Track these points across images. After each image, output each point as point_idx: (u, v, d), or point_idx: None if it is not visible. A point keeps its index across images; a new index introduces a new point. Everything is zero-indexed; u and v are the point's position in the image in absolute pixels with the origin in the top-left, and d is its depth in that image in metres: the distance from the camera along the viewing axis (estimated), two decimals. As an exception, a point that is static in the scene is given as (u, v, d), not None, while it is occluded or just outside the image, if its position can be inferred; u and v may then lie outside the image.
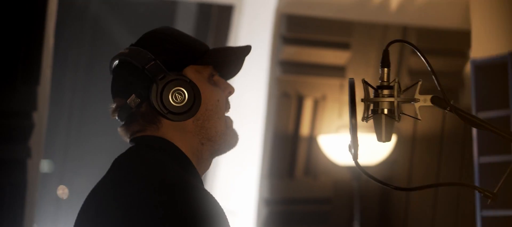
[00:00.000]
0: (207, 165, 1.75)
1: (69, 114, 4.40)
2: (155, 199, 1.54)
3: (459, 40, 5.20)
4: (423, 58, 1.68)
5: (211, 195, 1.60)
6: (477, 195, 4.48)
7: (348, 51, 4.84)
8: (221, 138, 1.73)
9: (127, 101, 1.71)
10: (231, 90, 1.78)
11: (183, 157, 1.70)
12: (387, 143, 4.26)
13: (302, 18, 4.72)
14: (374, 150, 4.56)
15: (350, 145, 1.67)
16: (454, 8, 5.21)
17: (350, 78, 1.65)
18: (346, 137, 4.60)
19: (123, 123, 1.75)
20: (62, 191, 4.36)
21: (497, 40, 4.99)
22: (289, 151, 4.75)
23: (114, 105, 1.75)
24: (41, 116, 3.42)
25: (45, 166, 4.35)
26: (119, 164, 1.70)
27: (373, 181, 5.35)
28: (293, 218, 4.75)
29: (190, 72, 1.72)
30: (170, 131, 1.71)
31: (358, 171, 4.64)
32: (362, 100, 1.66)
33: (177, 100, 1.68)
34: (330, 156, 4.66)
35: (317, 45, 4.74)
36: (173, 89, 1.68)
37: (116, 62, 1.76)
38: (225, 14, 4.70)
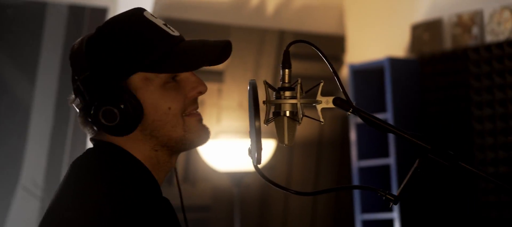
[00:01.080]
0: (167, 166, 1.61)
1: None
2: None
3: (334, 45, 5.26)
4: (326, 60, 1.67)
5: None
6: (357, 198, 4.53)
7: (226, 55, 4.79)
8: (178, 143, 1.59)
9: (70, 103, 1.60)
10: (201, 90, 1.62)
11: (137, 164, 1.56)
12: (266, 144, 4.19)
13: (179, 21, 4.64)
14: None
15: (250, 148, 1.59)
16: (329, 13, 5.26)
17: (251, 80, 1.58)
18: (225, 142, 4.55)
19: (78, 113, 1.60)
20: None
21: (373, 46, 5.08)
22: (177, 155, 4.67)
23: (71, 100, 1.61)
24: None
25: None
26: (74, 170, 1.57)
27: (253, 187, 5.34)
28: (172, 226, 4.66)
29: (137, 81, 1.55)
30: (120, 138, 1.57)
31: (238, 176, 4.63)
32: (263, 102, 1.59)
33: (108, 120, 1.53)
34: (209, 162, 4.60)
35: (195, 50, 4.68)
36: (103, 109, 1.52)
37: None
38: (98, 17, 4.57)
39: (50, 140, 4.41)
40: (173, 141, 1.58)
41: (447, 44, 4.59)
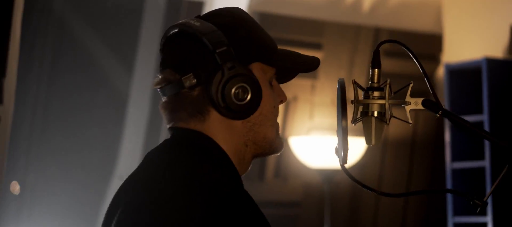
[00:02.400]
0: (247, 166, 1.62)
1: (33, 109, 4.31)
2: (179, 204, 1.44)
3: (431, 44, 5.19)
4: (415, 60, 1.63)
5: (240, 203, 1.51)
6: (449, 200, 4.47)
7: (320, 51, 4.80)
8: (268, 144, 1.60)
9: (182, 78, 1.54)
10: (283, 99, 1.64)
11: (223, 156, 1.56)
12: (359, 143, 4.17)
13: (274, 16, 4.66)
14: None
15: (337, 148, 1.58)
16: (426, 11, 5.20)
17: (340, 79, 1.58)
18: (317, 139, 4.54)
19: (165, 99, 1.59)
20: (13, 187, 4.28)
21: (470, 45, 4.99)
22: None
23: (161, 76, 1.58)
24: (7, 109, 3.34)
25: None
26: (150, 162, 1.57)
27: (344, 185, 5.31)
28: (262, 221, 4.70)
29: (256, 69, 1.57)
30: (215, 125, 1.56)
31: (329, 173, 4.62)
32: (352, 102, 1.58)
33: (238, 97, 1.53)
34: (301, 158, 4.61)
35: (289, 45, 4.69)
36: (239, 84, 1.53)
37: (177, 30, 1.58)
38: (195, 11, 4.63)
39: (146, 131, 4.49)
40: (266, 141, 1.60)
41: (548, 45, 4.48)
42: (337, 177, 4.62)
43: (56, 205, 4.29)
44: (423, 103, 1.62)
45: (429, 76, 5.16)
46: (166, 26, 4.54)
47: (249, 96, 1.54)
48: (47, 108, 4.29)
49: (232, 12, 1.61)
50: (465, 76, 4.52)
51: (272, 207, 4.76)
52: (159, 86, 1.59)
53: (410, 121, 1.60)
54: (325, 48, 4.81)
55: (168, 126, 1.60)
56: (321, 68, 4.79)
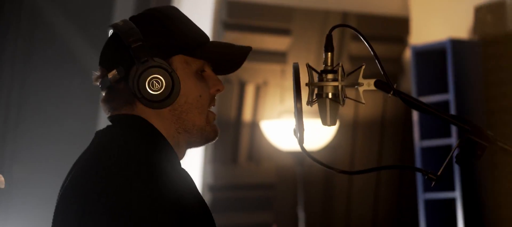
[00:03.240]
0: (182, 152, 1.73)
1: (7, 101, 4.34)
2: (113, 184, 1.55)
3: (398, 26, 5.26)
4: (365, 42, 1.70)
5: (175, 181, 1.60)
6: (419, 178, 4.56)
7: (289, 37, 4.85)
8: (198, 131, 1.71)
9: (108, 75, 1.68)
10: (220, 88, 1.74)
11: (159, 135, 1.68)
12: (330, 127, 4.30)
13: (243, 4, 4.71)
14: (316, 135, 4.59)
15: (295, 129, 1.66)
16: (394, -6, 5.26)
17: (294, 63, 1.65)
18: (289, 122, 4.62)
19: (103, 95, 1.72)
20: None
21: (436, 27, 5.07)
22: (232, 136, 4.76)
23: (98, 73, 1.72)
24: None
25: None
26: (94, 141, 1.70)
27: (316, 166, 5.40)
28: (237, 203, 4.76)
29: (178, 62, 1.69)
30: (145, 112, 1.69)
31: (302, 156, 4.69)
32: (306, 84, 1.66)
33: (153, 87, 1.65)
34: (273, 141, 4.68)
35: (258, 31, 4.75)
36: (151, 76, 1.65)
37: (111, 31, 1.73)
38: None
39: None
40: (195, 128, 1.70)
41: (510, 26, 4.56)
42: (309, 160, 4.67)
43: (35, 193, 4.33)
44: (375, 84, 1.68)
45: (398, 58, 5.25)
46: (137, 12, 4.59)
47: (163, 86, 1.65)
48: (21, 97, 4.32)
49: (158, 11, 1.73)
50: (431, 57, 4.60)
51: (246, 190, 4.82)
52: (95, 83, 1.73)
53: (363, 101, 1.67)
54: (294, 33, 4.87)
55: (107, 117, 1.73)
56: (291, 53, 4.85)
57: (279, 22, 4.82)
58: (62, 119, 4.44)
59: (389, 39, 5.22)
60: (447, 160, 1.70)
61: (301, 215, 4.67)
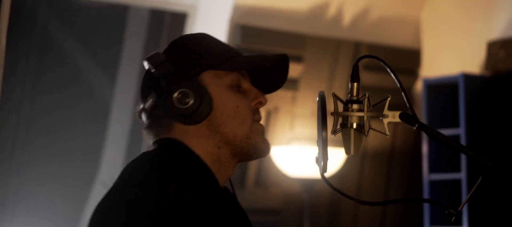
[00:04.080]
0: (229, 168, 1.72)
1: (17, 116, 4.34)
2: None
3: (409, 58, 5.27)
4: (393, 75, 1.71)
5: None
6: (426, 210, 4.55)
7: (301, 64, 4.86)
8: (242, 141, 1.69)
9: (144, 105, 1.71)
10: (262, 101, 1.73)
11: (196, 160, 1.68)
12: (338, 153, 4.22)
13: (256, 29, 4.72)
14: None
15: (317, 157, 1.66)
16: (405, 27, 5.27)
17: (320, 91, 1.66)
18: (298, 148, 4.62)
19: (145, 125, 1.75)
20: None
21: (448, 61, 5.08)
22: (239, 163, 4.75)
23: (140, 107, 1.75)
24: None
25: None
26: (124, 172, 1.69)
27: (323, 194, 5.35)
28: (242, 228, 4.75)
29: (207, 77, 1.69)
30: (184, 134, 1.69)
31: (309, 182, 4.70)
32: (331, 114, 1.66)
33: (182, 102, 1.65)
34: (281, 168, 4.68)
35: (271, 57, 4.75)
36: (178, 91, 1.65)
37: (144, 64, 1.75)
38: (179, 22, 4.68)
39: (128, 138, 4.54)
40: (238, 139, 1.69)
41: (524, 62, 4.57)
42: (316, 186, 4.68)
43: (38, 211, 4.32)
44: (400, 117, 1.69)
45: (408, 90, 5.25)
46: (149, 37, 4.60)
47: (193, 99, 1.65)
48: (31, 116, 4.33)
49: (187, 36, 1.77)
50: (442, 91, 4.60)
51: (252, 215, 4.79)
52: (138, 118, 1.75)
53: (387, 133, 1.68)
54: (306, 61, 4.88)
55: (151, 145, 1.74)
56: (302, 80, 4.86)
57: (292, 48, 4.83)
58: (68, 135, 4.44)
59: (400, 70, 5.22)
60: (469, 195, 1.69)
61: (306, 242, 4.66)
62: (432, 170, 4.56)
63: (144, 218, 1.52)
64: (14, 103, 4.28)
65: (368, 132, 1.67)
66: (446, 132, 4.44)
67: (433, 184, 4.55)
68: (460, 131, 4.39)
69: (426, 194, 4.53)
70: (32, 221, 4.31)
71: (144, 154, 1.70)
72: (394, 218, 5.27)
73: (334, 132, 1.67)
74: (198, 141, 1.68)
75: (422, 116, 4.63)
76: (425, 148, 4.61)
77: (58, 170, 4.40)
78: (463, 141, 4.36)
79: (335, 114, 1.67)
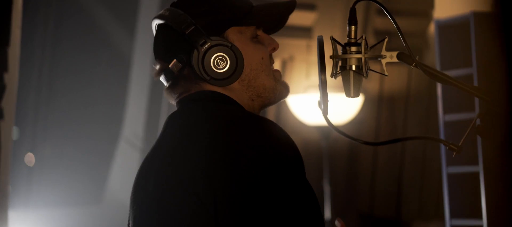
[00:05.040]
0: None
1: (39, 77, 4.40)
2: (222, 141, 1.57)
3: (422, 1, 5.26)
4: (388, 15, 1.72)
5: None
6: (443, 152, 4.58)
7: (314, 12, 4.88)
8: (271, 92, 1.75)
9: (169, 66, 1.70)
10: (275, 46, 1.77)
11: (236, 103, 1.71)
12: (355, 99, 4.29)
13: (269, -21, 4.74)
14: (342, 109, 4.63)
15: (319, 101, 1.70)
16: (418, -31, 5.27)
17: (319, 36, 1.70)
18: (314, 96, 4.66)
19: (167, 85, 1.75)
20: (29, 159, 4.36)
21: (459, 1, 5.07)
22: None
23: (157, 67, 1.74)
24: (12, 77, 3.42)
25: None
26: (172, 121, 1.71)
27: (341, 140, 5.42)
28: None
29: (232, 34, 1.72)
30: (216, 89, 1.72)
31: (327, 130, 4.74)
32: (330, 57, 1.70)
33: (219, 66, 1.68)
34: (299, 116, 4.72)
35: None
36: (215, 55, 1.68)
37: (156, 24, 1.75)
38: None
39: (149, 93, 4.58)
40: (267, 90, 1.74)
41: (536, -2, 4.55)
42: (334, 133, 4.73)
43: (66, 172, 4.39)
44: (397, 56, 1.71)
45: (422, 32, 5.26)
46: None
47: (228, 62, 1.69)
48: (51, 75, 4.38)
49: None
50: (454, 31, 4.60)
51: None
52: (157, 77, 1.76)
53: (386, 73, 1.71)
54: (319, 8, 4.90)
55: (175, 103, 1.75)
56: (316, 28, 4.88)
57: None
58: (90, 93, 4.49)
59: (414, 13, 5.23)
60: (468, 131, 1.74)
61: (327, 188, 4.72)
62: (447, 110, 4.58)
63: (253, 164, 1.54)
64: (35, 62, 4.33)
65: (367, 73, 1.70)
66: (458, 72, 4.45)
67: (448, 124, 4.57)
68: (472, 70, 4.41)
69: (442, 135, 4.55)
70: (60, 180, 4.38)
71: (192, 107, 1.70)
72: (412, 161, 5.31)
73: (334, 74, 1.71)
74: (232, 94, 1.72)
75: (435, 57, 4.66)
76: (439, 90, 4.63)
77: (82, 130, 4.46)
78: (475, 80, 4.38)
79: (334, 56, 1.71)
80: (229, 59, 1.69)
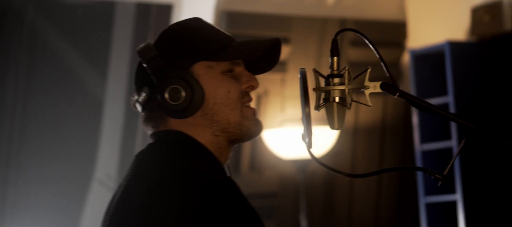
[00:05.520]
0: (227, 153, 1.74)
1: (11, 119, 4.35)
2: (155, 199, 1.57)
3: (395, 31, 5.29)
4: (370, 45, 1.71)
5: (223, 187, 1.61)
6: (420, 181, 4.58)
7: (288, 45, 4.88)
8: (236, 128, 1.71)
9: (138, 98, 1.71)
10: (253, 84, 1.74)
11: (199, 145, 1.69)
12: (330, 132, 4.24)
13: (242, 14, 4.74)
14: (318, 142, 4.61)
15: (303, 134, 1.68)
16: (390, 0, 5.29)
17: (301, 68, 1.67)
18: (289, 130, 4.64)
19: (142, 118, 1.75)
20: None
21: (433, 30, 5.10)
22: (234, 146, 4.78)
23: (134, 99, 1.75)
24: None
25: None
26: (135, 161, 1.71)
27: (318, 174, 5.38)
28: (240, 213, 4.78)
29: (200, 68, 1.70)
30: (181, 125, 1.71)
31: (303, 163, 4.72)
32: (314, 89, 1.67)
33: (174, 98, 1.67)
34: (275, 150, 4.70)
35: (258, 41, 4.76)
36: (169, 87, 1.67)
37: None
38: (164, 14, 4.69)
39: (122, 133, 4.56)
40: (232, 125, 1.70)
41: (508, 26, 4.59)
42: (311, 167, 4.71)
43: (37, 211, 4.34)
44: (381, 86, 1.69)
45: (396, 62, 5.27)
46: (136, 31, 4.61)
47: (183, 94, 1.67)
48: (25, 117, 4.34)
49: (178, 24, 1.76)
50: (429, 60, 4.62)
51: (249, 200, 4.84)
52: (133, 108, 1.76)
53: (369, 104, 1.68)
54: (292, 42, 4.90)
55: (149, 136, 1.75)
56: (290, 62, 4.88)
57: (278, 31, 4.84)
58: (63, 135, 4.46)
59: (387, 43, 5.24)
60: (453, 159, 1.71)
61: (304, 222, 4.69)
62: (423, 140, 4.58)
63: (176, 219, 1.54)
64: (8, 105, 4.29)
65: (350, 104, 1.68)
66: (435, 100, 4.46)
67: (425, 154, 4.58)
68: (449, 98, 4.42)
69: (419, 165, 4.55)
70: (31, 222, 4.32)
71: (153, 148, 1.71)
72: (389, 192, 5.30)
73: (317, 107, 1.69)
74: (196, 131, 1.70)
75: (410, 87, 4.66)
76: (415, 119, 4.64)
77: (54, 170, 4.41)
78: (452, 108, 4.38)
79: (317, 89, 1.68)
80: (184, 91, 1.67)
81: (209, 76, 1.69)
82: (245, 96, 1.74)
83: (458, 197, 4.38)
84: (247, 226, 1.63)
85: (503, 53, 4.51)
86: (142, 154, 1.71)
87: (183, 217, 1.54)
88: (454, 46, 4.47)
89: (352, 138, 5.13)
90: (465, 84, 4.46)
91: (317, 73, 1.68)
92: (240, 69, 1.74)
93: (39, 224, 4.34)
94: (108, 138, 4.53)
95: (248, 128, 1.73)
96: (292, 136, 4.61)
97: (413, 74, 4.61)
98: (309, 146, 1.66)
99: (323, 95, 1.69)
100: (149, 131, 1.73)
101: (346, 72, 1.68)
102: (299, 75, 1.65)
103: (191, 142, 1.69)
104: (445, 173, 1.69)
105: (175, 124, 1.70)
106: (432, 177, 1.69)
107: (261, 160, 4.85)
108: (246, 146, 4.82)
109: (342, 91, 1.67)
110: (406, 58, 5.21)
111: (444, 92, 4.49)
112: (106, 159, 4.52)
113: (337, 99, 1.67)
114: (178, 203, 1.55)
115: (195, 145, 1.69)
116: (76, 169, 4.49)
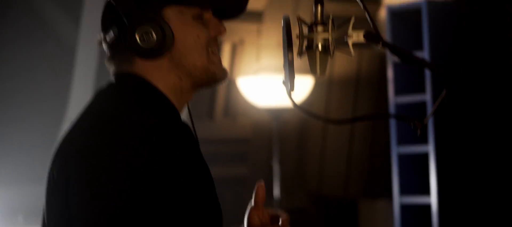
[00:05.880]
0: (188, 96, 1.77)
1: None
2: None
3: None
4: None
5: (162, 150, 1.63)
6: (392, 131, 4.62)
7: (265, -5, 4.87)
8: (202, 72, 1.74)
9: (104, 37, 1.73)
10: (221, 31, 1.77)
11: (156, 93, 1.72)
12: (305, 82, 4.26)
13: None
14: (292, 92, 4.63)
15: (284, 80, 1.69)
16: (368, -47, 5.29)
17: (284, 15, 1.68)
18: (265, 79, 4.66)
19: (107, 57, 1.77)
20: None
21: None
22: (208, 92, 4.80)
23: (100, 38, 1.76)
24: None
25: None
26: (92, 100, 1.74)
27: (292, 122, 5.39)
28: (213, 157, 4.81)
29: (171, 12, 1.71)
30: (145, 67, 1.73)
31: (277, 112, 4.75)
32: (297, 36, 1.69)
33: (144, 40, 1.69)
34: (249, 98, 4.72)
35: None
36: (141, 29, 1.68)
37: None
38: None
39: (95, 78, 4.56)
40: (198, 69, 1.73)
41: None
42: (285, 115, 4.74)
43: (10, 153, 4.34)
44: (364, 36, 1.70)
45: (372, 17, 5.27)
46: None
47: (154, 37, 1.68)
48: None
49: None
50: (406, 17, 4.63)
51: (222, 144, 4.87)
52: (99, 46, 1.77)
53: (352, 53, 1.69)
54: (269, -9, 4.89)
55: (111, 74, 1.77)
56: (267, 12, 4.87)
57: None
58: (35, 81, 4.45)
59: (363, -2, 5.25)
60: (434, 108, 1.73)
61: (276, 168, 4.73)
62: (398, 92, 4.62)
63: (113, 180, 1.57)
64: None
65: (333, 52, 1.69)
66: (410, 55, 4.48)
67: (399, 107, 4.61)
68: (425, 54, 4.45)
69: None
70: (5, 165, 4.33)
71: (111, 93, 1.74)
72: (362, 141, 5.35)
73: (300, 54, 1.69)
74: (160, 74, 1.72)
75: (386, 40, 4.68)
76: (390, 72, 4.67)
77: (27, 111, 4.41)
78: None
79: (300, 36, 1.69)
80: (155, 34, 1.69)
81: (179, 20, 1.71)
82: (212, 42, 1.76)
83: (430, 148, 4.43)
84: (191, 179, 1.67)
85: (479, 12, 4.53)
86: (99, 94, 1.74)
87: (121, 180, 1.57)
88: (431, 4, 4.49)
89: (326, 90, 5.16)
90: (441, 41, 4.49)
91: (301, 21, 1.69)
92: (208, 15, 1.76)
93: (13, 165, 4.35)
94: (80, 82, 4.52)
95: (213, 73, 1.75)
96: (267, 84, 4.63)
97: (389, 30, 4.63)
98: (291, 87, 1.67)
99: (305, 43, 1.69)
100: (112, 69, 1.76)
101: (330, 21, 1.69)
102: (282, 22, 1.65)
103: (148, 90, 1.71)
104: (425, 121, 1.70)
105: (140, 65, 1.72)
106: (411, 125, 1.70)
107: (235, 107, 4.87)
108: (221, 92, 4.83)
109: (325, 39, 1.68)
110: (382, 13, 5.23)
111: (419, 48, 4.51)
112: (79, 103, 4.52)
113: (320, 47, 1.68)
114: (118, 165, 1.58)
115: (153, 93, 1.72)
116: (48, 112, 4.49)
